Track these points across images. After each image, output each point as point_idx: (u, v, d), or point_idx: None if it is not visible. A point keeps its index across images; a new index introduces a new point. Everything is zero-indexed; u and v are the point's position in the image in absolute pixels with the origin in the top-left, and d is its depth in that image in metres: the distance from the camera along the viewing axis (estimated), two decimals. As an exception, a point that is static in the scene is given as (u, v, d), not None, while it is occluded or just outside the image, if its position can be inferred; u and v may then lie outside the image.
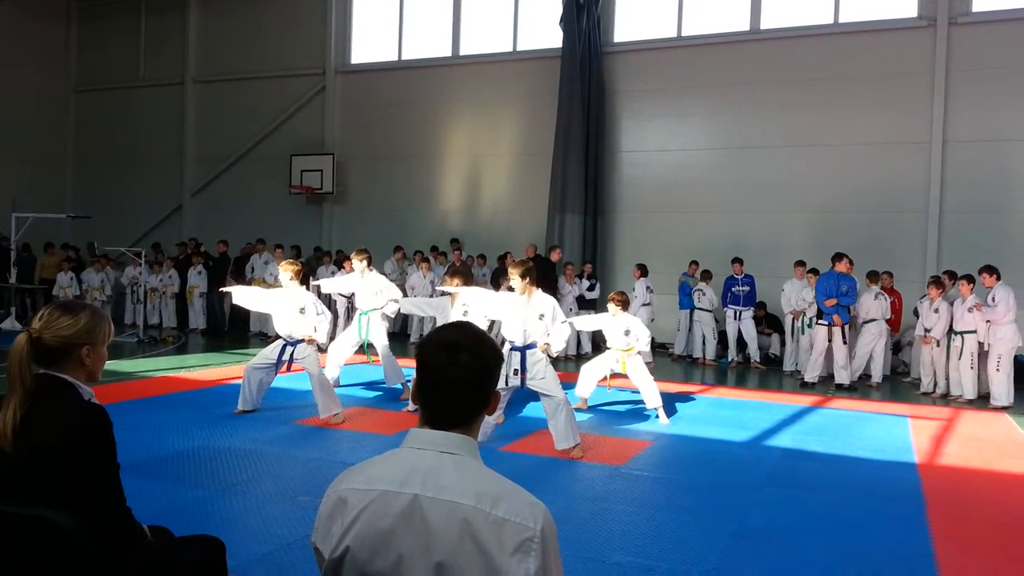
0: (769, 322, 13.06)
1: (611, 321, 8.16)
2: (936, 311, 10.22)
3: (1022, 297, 10.70)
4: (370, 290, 8.74)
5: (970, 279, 10.00)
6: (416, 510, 1.58)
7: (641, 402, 8.26)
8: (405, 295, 11.13)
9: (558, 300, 7.69)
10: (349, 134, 17.04)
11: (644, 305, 12.55)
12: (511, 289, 6.63)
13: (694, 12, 14.46)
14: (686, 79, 14.28)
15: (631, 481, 5.84)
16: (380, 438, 6.81)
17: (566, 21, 14.63)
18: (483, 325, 7.05)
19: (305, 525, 4.42)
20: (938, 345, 10.25)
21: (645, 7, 14.88)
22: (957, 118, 12.62)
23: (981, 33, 12.53)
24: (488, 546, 1.54)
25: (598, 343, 12.52)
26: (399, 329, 14.21)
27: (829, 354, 10.83)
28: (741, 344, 12.67)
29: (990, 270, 9.80)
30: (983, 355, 9.90)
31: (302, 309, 7.47)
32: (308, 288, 8.08)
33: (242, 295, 7.99)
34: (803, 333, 11.54)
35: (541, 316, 6.40)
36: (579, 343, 13.07)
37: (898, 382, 11.52)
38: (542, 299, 6.51)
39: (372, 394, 9.06)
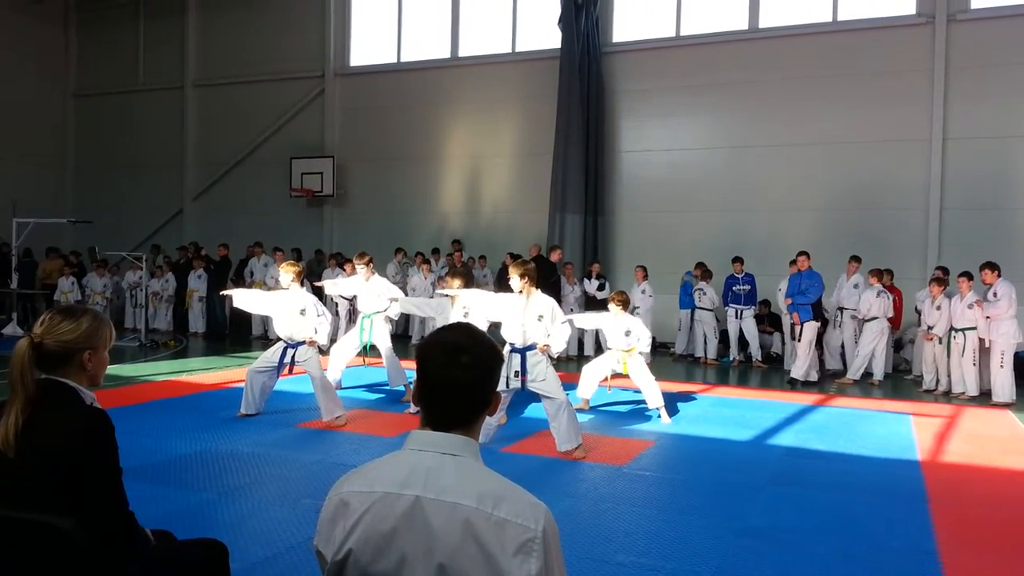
0: (771, 321, 13.06)
1: (612, 321, 8.15)
2: (938, 308, 10.21)
3: (1023, 293, 10.73)
4: (373, 293, 8.75)
5: (969, 276, 10.00)
6: (418, 512, 1.58)
7: (642, 402, 8.26)
8: (406, 296, 11.13)
9: (559, 301, 7.70)
10: (349, 137, 17.05)
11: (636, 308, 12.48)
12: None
13: (693, 11, 14.46)
14: (685, 78, 14.29)
15: (633, 481, 5.84)
16: (382, 440, 6.81)
17: (565, 21, 14.64)
18: (484, 327, 7.05)
19: (307, 528, 4.42)
20: (940, 342, 10.24)
21: (643, 7, 14.88)
22: (957, 115, 12.62)
23: (980, 30, 12.53)
24: (490, 547, 1.54)
25: (600, 344, 12.56)
26: (401, 331, 14.21)
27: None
28: (743, 343, 12.66)
29: (991, 266, 9.80)
30: (984, 352, 9.89)
31: (303, 311, 7.48)
32: (309, 289, 8.09)
33: (243, 298, 8.00)
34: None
35: (540, 317, 6.40)
36: (581, 344, 13.05)
37: (900, 380, 11.51)
38: (541, 300, 6.51)
39: (374, 396, 9.07)
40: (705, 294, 12.83)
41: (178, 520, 3.97)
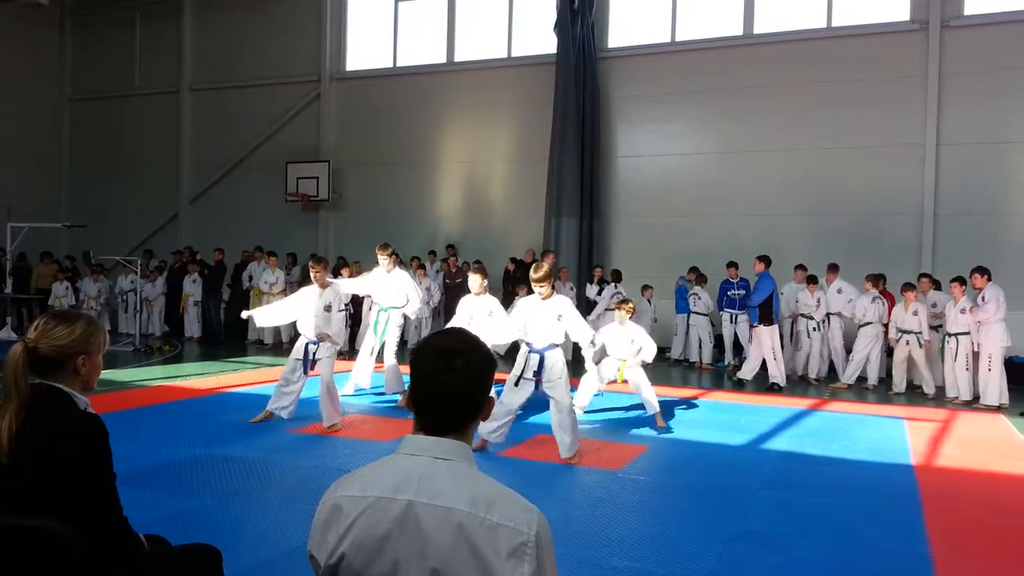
0: (765, 325, 13.07)
1: (618, 330, 8.16)
2: (915, 313, 10.43)
3: (1018, 298, 10.78)
4: (394, 287, 8.72)
5: (962, 281, 10.07)
6: (411, 516, 1.59)
7: (636, 406, 8.27)
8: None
9: None
10: (345, 141, 17.06)
11: (608, 310, 12.40)
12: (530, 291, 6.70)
13: (688, 17, 14.51)
14: (680, 84, 14.33)
15: (628, 485, 5.85)
16: (378, 445, 6.81)
17: (560, 27, 14.68)
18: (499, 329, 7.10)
19: (302, 533, 4.40)
20: (921, 346, 10.43)
21: (639, 12, 14.93)
22: (950, 121, 12.67)
23: (973, 36, 12.59)
24: (483, 551, 1.54)
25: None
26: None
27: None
28: (737, 347, 12.67)
29: (981, 271, 9.85)
30: (977, 356, 9.95)
31: (327, 306, 7.45)
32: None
33: (264, 316, 7.93)
34: (808, 336, 11.61)
35: (560, 317, 6.49)
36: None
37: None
38: (560, 300, 6.62)
39: (370, 401, 9.05)
40: (700, 298, 12.86)
41: (172, 525, 3.96)
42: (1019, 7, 12.33)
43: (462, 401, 1.68)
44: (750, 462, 6.62)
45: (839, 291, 11.53)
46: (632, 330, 8.15)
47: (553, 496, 5.44)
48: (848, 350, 11.35)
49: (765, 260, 10.88)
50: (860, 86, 13.15)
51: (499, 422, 6.48)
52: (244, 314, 8.05)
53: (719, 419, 8.44)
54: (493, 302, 7.54)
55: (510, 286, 13.21)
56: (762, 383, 10.77)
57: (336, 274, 13.92)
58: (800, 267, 11.74)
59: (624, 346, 8.07)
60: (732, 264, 12.59)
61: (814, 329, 11.50)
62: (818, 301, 11.48)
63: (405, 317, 9.19)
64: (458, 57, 16.24)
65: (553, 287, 6.64)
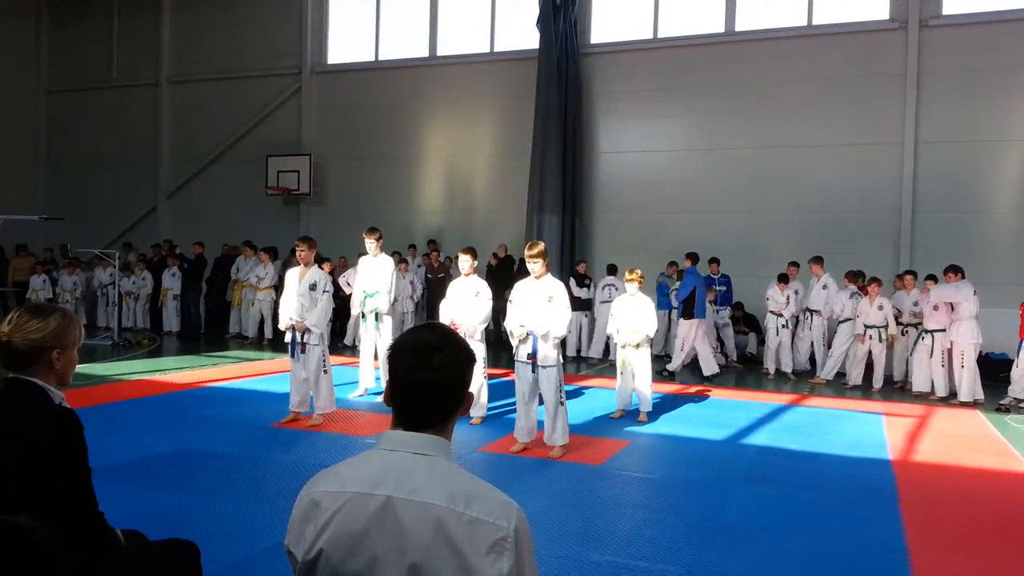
0: (746, 321, 13.16)
1: (627, 303, 8.15)
2: (880, 308, 10.59)
3: (994, 296, 10.91)
4: (380, 271, 8.70)
5: (935, 279, 10.20)
6: (389, 511, 1.58)
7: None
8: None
9: None
10: (326, 135, 16.95)
11: (604, 302, 12.46)
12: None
13: (670, 14, 14.54)
14: (663, 80, 14.36)
15: (609, 480, 5.87)
16: (358, 440, 6.78)
17: (543, 22, 14.66)
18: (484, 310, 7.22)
19: (282, 529, 4.37)
20: (881, 339, 10.62)
21: (621, 9, 14.94)
22: (929, 119, 12.79)
23: (952, 35, 12.72)
24: (462, 547, 1.54)
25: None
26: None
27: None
28: (718, 343, 12.73)
29: (954, 269, 9.95)
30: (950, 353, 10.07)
31: (313, 285, 7.36)
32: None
33: (285, 316, 7.52)
34: (776, 333, 11.69)
35: (551, 298, 6.50)
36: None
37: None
38: (553, 282, 6.65)
39: (349, 395, 9.01)
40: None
41: (149, 520, 3.92)
42: (997, 7, 12.47)
43: (440, 396, 1.68)
44: (730, 457, 6.67)
45: (824, 287, 11.55)
46: (641, 302, 8.11)
47: (534, 491, 5.45)
48: (829, 345, 11.44)
49: (692, 257, 11.20)
50: (840, 84, 13.24)
51: (520, 418, 6.60)
52: (283, 326, 7.55)
53: (699, 414, 8.49)
54: (480, 283, 7.51)
55: (492, 281, 13.17)
56: (697, 376, 11.10)
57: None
58: (793, 264, 11.96)
59: (629, 320, 8.03)
60: (714, 260, 12.65)
61: (783, 326, 11.58)
62: (787, 299, 11.59)
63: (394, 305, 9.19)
64: (440, 51, 16.19)
65: (547, 267, 6.67)
